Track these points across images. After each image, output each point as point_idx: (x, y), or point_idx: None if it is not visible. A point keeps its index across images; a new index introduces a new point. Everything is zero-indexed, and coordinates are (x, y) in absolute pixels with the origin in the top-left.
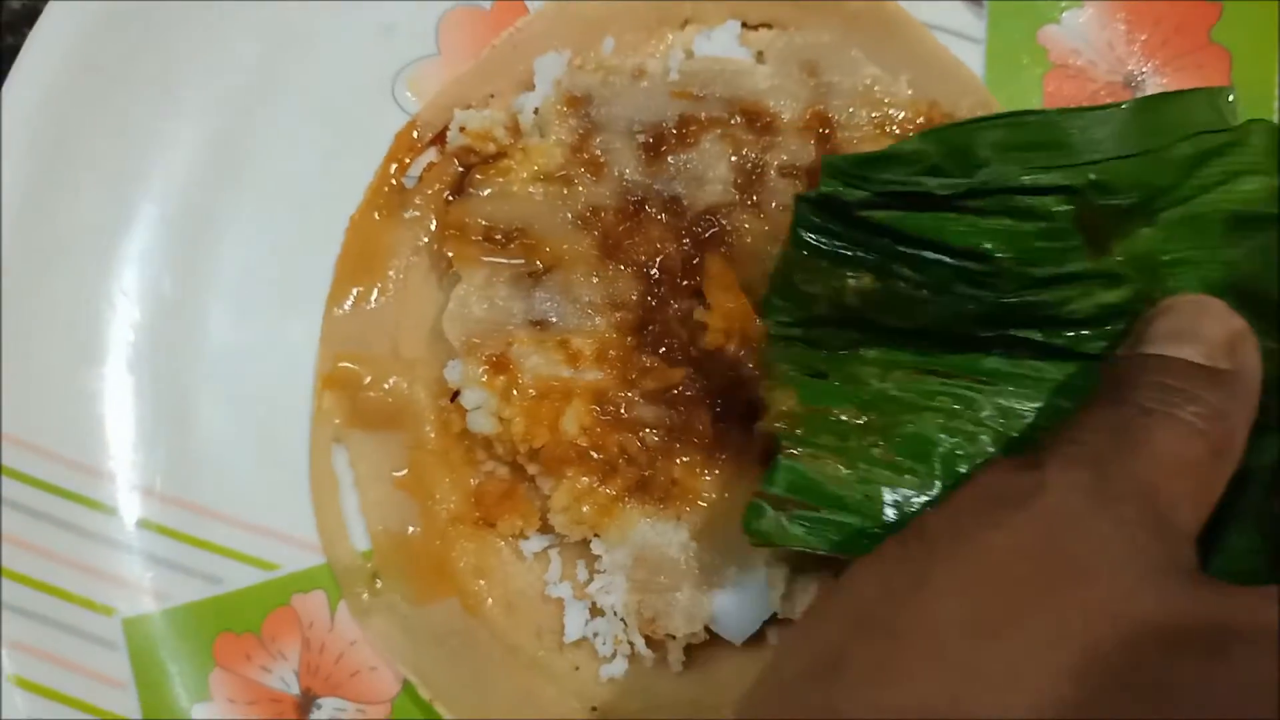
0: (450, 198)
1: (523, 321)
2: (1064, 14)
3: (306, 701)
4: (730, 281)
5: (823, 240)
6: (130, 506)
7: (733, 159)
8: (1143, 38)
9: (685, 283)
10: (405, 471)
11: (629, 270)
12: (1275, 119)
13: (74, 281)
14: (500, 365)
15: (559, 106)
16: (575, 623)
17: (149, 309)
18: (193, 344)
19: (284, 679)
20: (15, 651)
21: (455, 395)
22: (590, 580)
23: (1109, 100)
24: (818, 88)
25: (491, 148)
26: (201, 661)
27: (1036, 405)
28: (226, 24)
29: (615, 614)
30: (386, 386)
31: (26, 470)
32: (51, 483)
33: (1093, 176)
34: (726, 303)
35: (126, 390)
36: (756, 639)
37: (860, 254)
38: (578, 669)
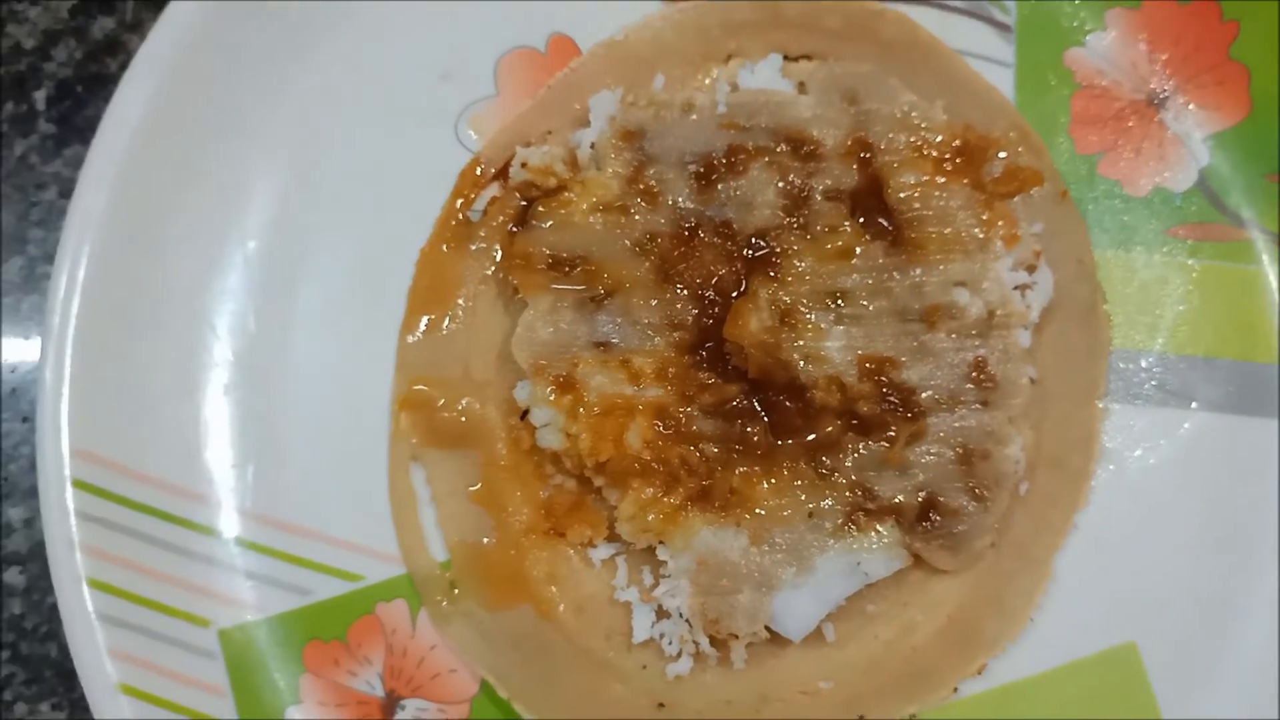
0: (514, 229)
1: (587, 343)
2: (1088, 37)
3: (391, 703)
4: (745, 319)
5: None
6: (228, 526)
7: (779, 185)
8: (1164, 57)
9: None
10: (479, 486)
11: (685, 292)
12: None
13: (167, 318)
14: (567, 385)
15: (614, 141)
16: (643, 624)
17: (237, 343)
18: (278, 374)
19: (369, 682)
20: (121, 661)
21: (525, 414)
22: (656, 584)
23: (1132, 117)
24: (858, 115)
25: (552, 181)
26: (293, 668)
27: None
28: (299, 74)
29: (680, 616)
30: (460, 407)
31: (130, 495)
32: (154, 506)
33: None
34: (754, 338)
35: (221, 418)
36: (813, 636)
37: None
38: (645, 668)
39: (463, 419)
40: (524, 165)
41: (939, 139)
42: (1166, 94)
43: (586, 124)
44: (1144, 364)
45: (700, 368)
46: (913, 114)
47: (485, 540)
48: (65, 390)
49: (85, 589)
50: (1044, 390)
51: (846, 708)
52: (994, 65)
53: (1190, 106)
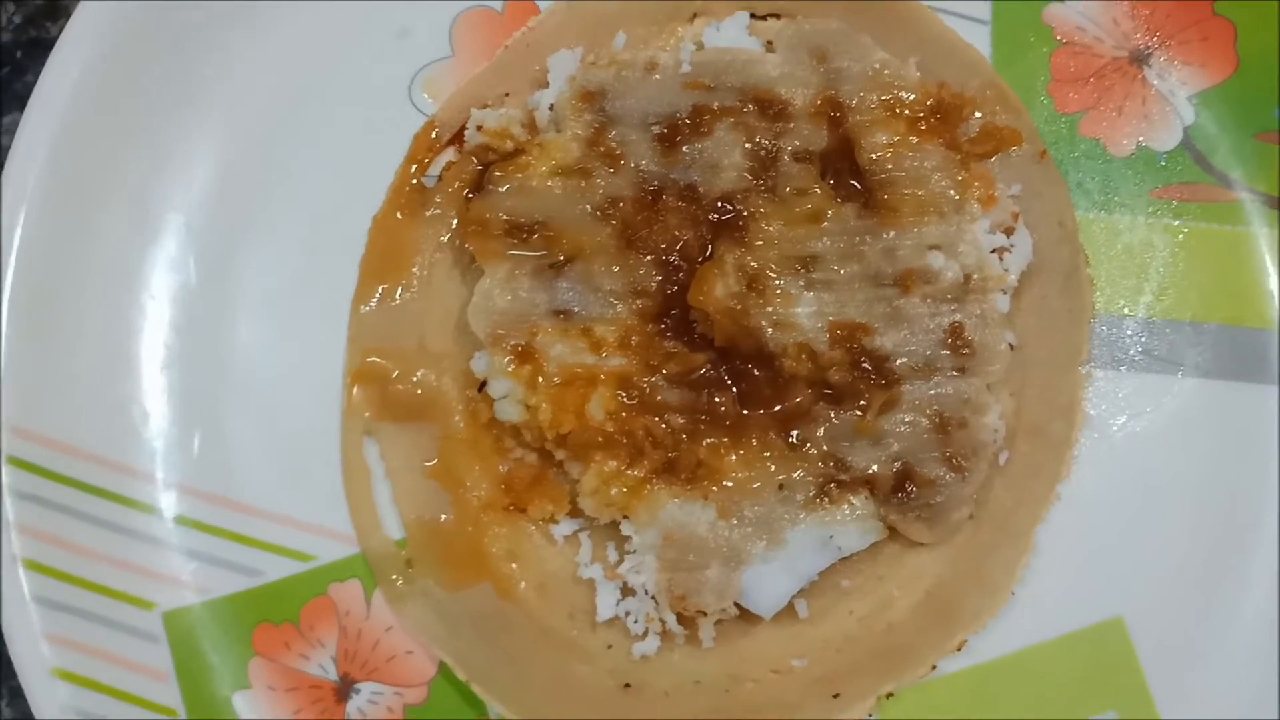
0: (470, 195)
1: (546, 311)
2: None
3: (345, 687)
4: (711, 285)
5: None
6: (169, 504)
7: (746, 146)
8: (1147, 12)
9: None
10: (436, 461)
11: (649, 258)
12: (1278, 88)
13: (105, 290)
14: (525, 355)
15: (574, 101)
16: (607, 602)
17: (180, 314)
18: (223, 345)
19: (322, 665)
20: (58, 646)
21: (482, 385)
22: (620, 561)
23: (1114, 75)
24: (828, 74)
25: (509, 144)
26: (241, 651)
27: None
28: (244, 35)
29: (646, 593)
30: (415, 379)
31: (68, 473)
32: (93, 484)
33: None
34: (720, 304)
35: (161, 392)
36: (785, 612)
37: None
38: (610, 647)
39: (418, 391)
40: (480, 128)
41: (912, 98)
42: (1150, 51)
43: (545, 85)
44: (1129, 329)
45: (665, 336)
46: (885, 72)
47: (442, 517)
48: (1, 365)
49: (21, 570)
50: (1024, 356)
51: (820, 686)
52: (970, 22)
53: (1174, 63)
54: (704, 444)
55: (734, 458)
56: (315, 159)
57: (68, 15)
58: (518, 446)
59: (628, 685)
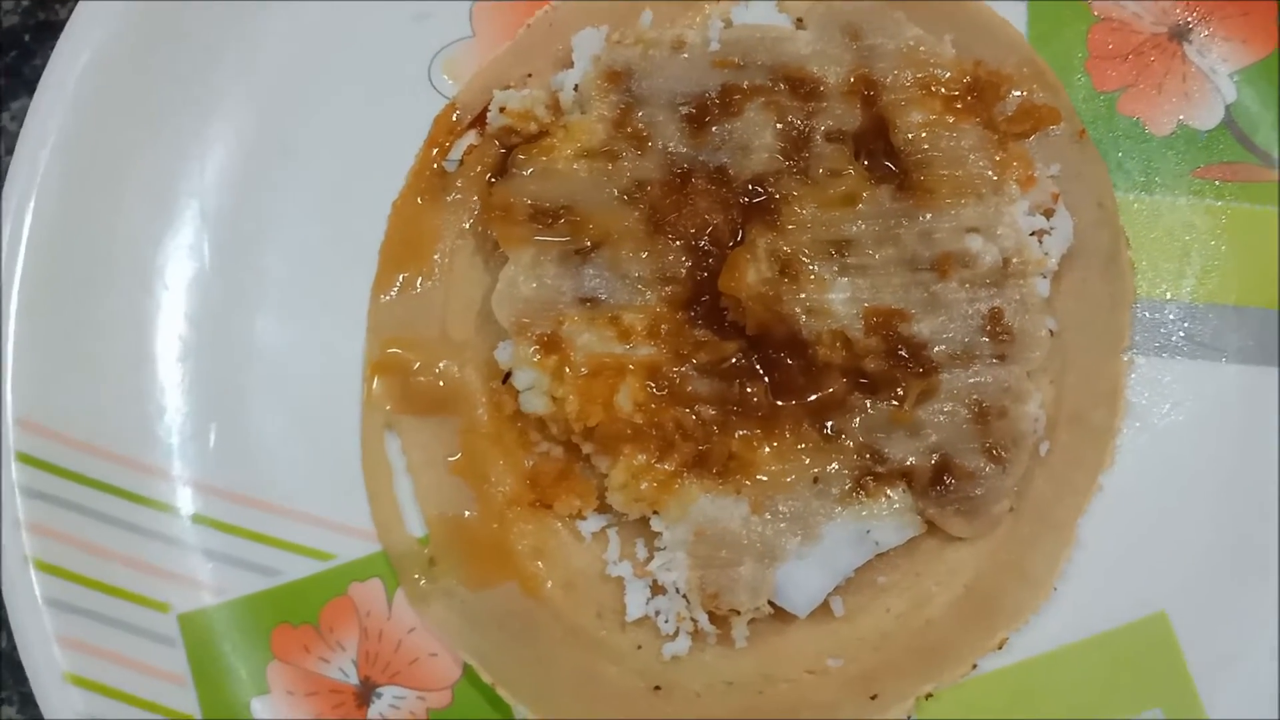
0: (493, 179)
1: (572, 299)
2: None
3: (366, 691)
4: (742, 270)
5: None
6: (187, 501)
7: (777, 126)
8: None
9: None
10: (459, 455)
11: (678, 243)
12: None
13: (118, 279)
14: (551, 344)
15: (599, 82)
16: (636, 601)
17: (195, 304)
18: (240, 337)
19: (343, 669)
20: (71, 650)
21: (507, 376)
22: (650, 558)
23: (1154, 52)
24: (861, 51)
25: (533, 127)
26: (259, 654)
27: None
28: (261, 18)
29: (677, 591)
30: (437, 370)
31: (80, 470)
32: (106, 481)
33: None
34: (752, 290)
35: (176, 385)
36: (821, 610)
37: None
38: (640, 647)
39: (440, 383)
40: (502, 110)
41: (948, 76)
42: (1189, 26)
43: (569, 65)
44: (1171, 314)
45: (695, 324)
46: (920, 49)
47: (466, 513)
48: (9, 357)
49: (32, 571)
50: (1064, 343)
51: (857, 687)
52: None
53: (1215, 39)
54: (736, 436)
55: (767, 450)
56: (333, 142)
57: None
58: (543, 440)
59: (658, 687)
